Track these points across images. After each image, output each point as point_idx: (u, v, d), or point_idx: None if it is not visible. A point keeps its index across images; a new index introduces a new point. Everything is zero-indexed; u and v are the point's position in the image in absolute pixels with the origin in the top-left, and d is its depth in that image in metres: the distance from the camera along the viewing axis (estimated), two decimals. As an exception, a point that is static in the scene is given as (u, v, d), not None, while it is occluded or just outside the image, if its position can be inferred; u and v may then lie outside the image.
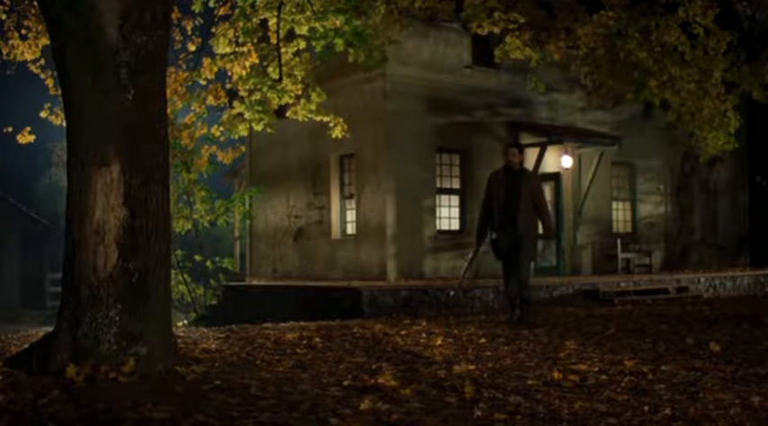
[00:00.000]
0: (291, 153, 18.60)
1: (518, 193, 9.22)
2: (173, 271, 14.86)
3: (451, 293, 13.11)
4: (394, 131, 16.40)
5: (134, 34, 4.98)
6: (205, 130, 15.81)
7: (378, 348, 6.69)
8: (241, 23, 12.32)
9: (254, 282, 18.89)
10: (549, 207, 18.50)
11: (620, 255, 19.27)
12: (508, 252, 9.28)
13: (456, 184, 17.71)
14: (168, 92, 9.49)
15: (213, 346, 6.72)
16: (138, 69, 4.99)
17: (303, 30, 12.15)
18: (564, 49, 13.78)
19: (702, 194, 22.26)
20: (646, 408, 4.20)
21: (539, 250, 18.73)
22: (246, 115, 13.28)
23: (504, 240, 9.29)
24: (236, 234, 21.92)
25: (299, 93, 13.10)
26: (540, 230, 9.68)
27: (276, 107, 13.34)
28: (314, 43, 12.28)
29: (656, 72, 13.56)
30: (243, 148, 18.33)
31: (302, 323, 9.36)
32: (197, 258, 18.62)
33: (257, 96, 12.90)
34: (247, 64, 12.64)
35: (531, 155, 18.23)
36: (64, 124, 5.56)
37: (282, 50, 12.54)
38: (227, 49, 12.64)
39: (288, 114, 13.69)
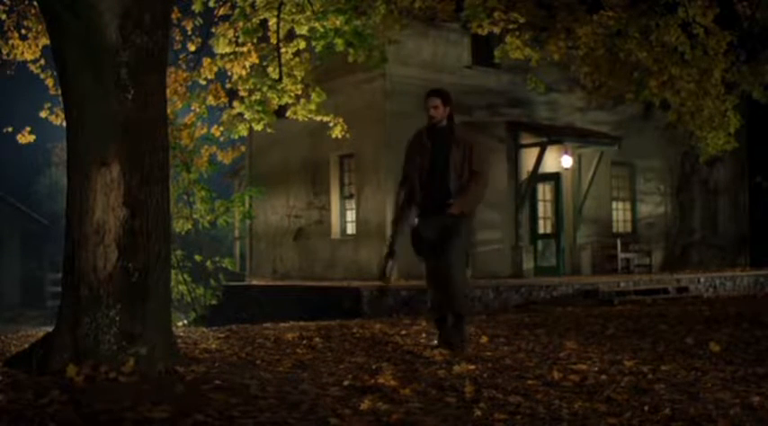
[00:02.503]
0: (291, 153, 18.61)
1: (445, 161, 6.49)
2: (173, 271, 14.86)
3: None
4: (394, 131, 16.40)
5: (134, 34, 4.97)
6: (205, 130, 15.82)
7: (378, 348, 6.69)
8: (241, 23, 12.33)
9: (254, 282, 18.90)
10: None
11: (620, 255, 19.28)
12: (433, 246, 6.56)
13: (456, 184, 17.69)
14: (168, 92, 9.48)
15: (213, 346, 6.72)
16: (138, 69, 4.99)
17: (303, 30, 12.15)
18: (564, 49, 13.80)
19: (702, 194, 22.27)
20: (646, 408, 4.20)
21: (539, 250, 19.07)
22: (246, 115, 13.29)
23: (428, 228, 6.60)
24: (236, 234, 21.92)
25: (299, 93, 13.10)
26: (459, 204, 6.46)
27: (276, 107, 13.34)
28: (314, 43, 12.29)
29: (656, 72, 13.57)
30: (243, 148, 18.34)
31: (302, 323, 9.36)
32: (197, 258, 18.61)
33: (257, 96, 12.90)
34: (247, 64, 12.64)
35: (530, 155, 18.28)
36: (64, 124, 5.56)
37: (282, 50, 12.55)
38: (227, 49, 12.65)
39: (288, 114, 13.69)
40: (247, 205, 19.01)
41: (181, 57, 13.80)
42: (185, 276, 17.97)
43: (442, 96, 6.57)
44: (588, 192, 19.13)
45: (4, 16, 11.75)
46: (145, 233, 4.96)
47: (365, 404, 4.15)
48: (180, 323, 15.75)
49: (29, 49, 12.04)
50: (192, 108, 14.59)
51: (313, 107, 13.35)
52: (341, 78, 16.48)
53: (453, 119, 6.63)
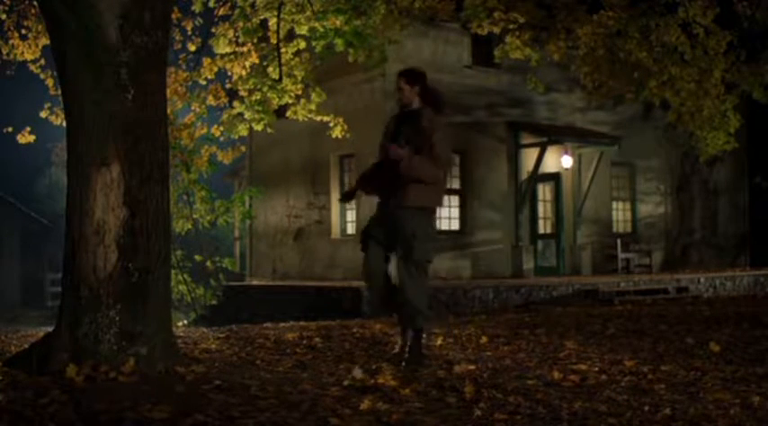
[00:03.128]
0: (291, 153, 18.60)
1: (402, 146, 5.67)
2: (173, 271, 14.86)
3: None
4: (394, 131, 16.38)
5: (134, 34, 4.98)
6: (205, 130, 15.82)
7: (378, 348, 6.69)
8: (241, 23, 12.33)
9: (254, 282, 18.90)
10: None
11: (620, 255, 19.28)
12: (387, 246, 5.74)
13: (456, 184, 17.71)
14: (168, 92, 9.48)
15: (213, 346, 6.72)
16: (138, 69, 4.99)
17: (303, 30, 12.16)
18: (564, 49, 13.79)
19: (702, 194, 22.27)
20: (646, 408, 4.20)
21: (539, 250, 19.09)
22: (246, 115, 13.29)
23: (379, 222, 5.84)
24: (236, 234, 21.92)
25: (299, 93, 13.11)
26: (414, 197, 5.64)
27: (276, 107, 13.34)
28: (314, 43, 12.29)
29: (656, 72, 13.56)
30: (243, 148, 18.34)
31: (302, 323, 9.36)
32: (197, 258, 18.62)
33: (257, 96, 12.91)
34: (247, 64, 12.65)
35: (530, 156, 18.28)
36: (64, 124, 5.56)
37: (282, 50, 12.55)
38: (227, 49, 12.66)
39: (288, 114, 13.69)
40: (247, 205, 19.01)
41: (181, 57, 13.80)
42: (185, 276, 17.98)
43: (406, 76, 5.94)
44: (588, 192, 19.13)
45: (4, 16, 11.75)
46: (145, 233, 4.96)
47: (365, 404, 4.16)
48: (180, 323, 15.74)
49: (29, 49, 12.04)
50: (192, 108, 14.60)
51: (313, 107, 13.35)
52: (341, 78, 16.48)
53: (434, 102, 5.93)
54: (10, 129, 13.53)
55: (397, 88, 5.98)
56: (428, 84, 5.98)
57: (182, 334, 7.79)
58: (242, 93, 13.15)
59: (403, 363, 5.57)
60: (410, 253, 5.57)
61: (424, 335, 5.96)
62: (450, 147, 6.01)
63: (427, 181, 5.65)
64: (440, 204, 5.90)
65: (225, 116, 14.23)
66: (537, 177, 18.30)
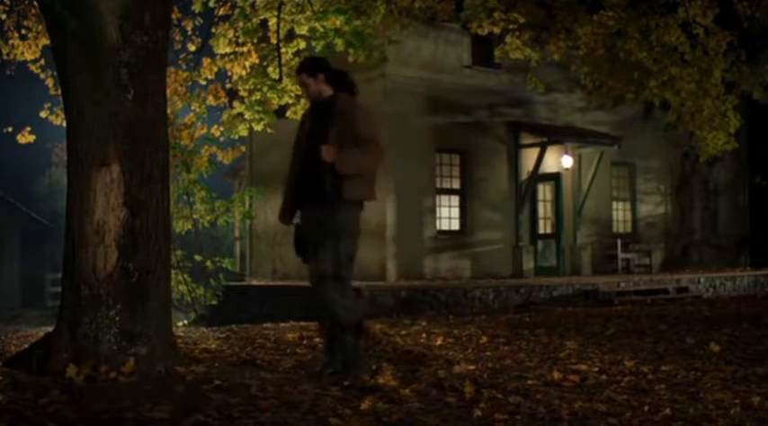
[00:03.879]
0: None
1: (323, 139, 5.21)
2: (173, 271, 14.84)
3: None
4: (394, 131, 16.38)
5: (134, 34, 4.98)
6: (205, 130, 15.82)
7: (378, 348, 6.69)
8: (241, 23, 12.33)
9: (254, 282, 18.89)
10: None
11: (620, 255, 19.28)
12: (314, 246, 5.29)
13: (456, 184, 17.71)
14: (168, 92, 9.49)
15: (213, 346, 6.72)
16: (138, 69, 4.99)
17: (303, 30, 12.15)
18: (564, 49, 13.80)
19: (702, 194, 22.27)
20: (646, 408, 4.20)
21: (539, 250, 19.09)
22: (246, 115, 13.28)
23: (306, 224, 5.45)
24: (236, 234, 21.91)
25: (299, 93, 13.09)
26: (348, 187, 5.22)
27: (276, 107, 13.33)
28: (314, 43, 12.28)
29: (656, 72, 13.56)
30: (243, 148, 18.32)
31: (302, 324, 9.36)
32: (197, 258, 18.61)
33: (257, 96, 12.90)
34: (247, 64, 12.64)
35: (531, 156, 18.28)
36: (64, 124, 5.56)
37: (282, 50, 12.55)
38: (227, 49, 12.65)
39: (288, 114, 13.68)
40: (247, 205, 18.99)
41: (181, 57, 13.79)
42: (185, 276, 17.97)
43: (305, 70, 5.40)
44: (588, 192, 19.13)
45: (4, 16, 11.75)
46: (145, 233, 4.96)
47: (365, 404, 4.16)
48: (180, 323, 15.74)
49: (29, 49, 12.04)
50: (192, 108, 14.58)
51: (313, 107, 13.32)
52: (341, 78, 16.46)
53: (345, 85, 5.43)
54: (10, 129, 13.53)
55: (300, 85, 5.54)
56: (333, 69, 5.45)
57: (182, 334, 7.79)
58: (242, 93, 13.15)
59: (329, 370, 5.05)
60: (329, 255, 5.11)
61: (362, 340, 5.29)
62: (375, 130, 5.36)
63: (364, 174, 5.23)
64: (373, 197, 5.40)
65: (225, 116, 14.22)
66: (537, 177, 18.30)
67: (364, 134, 5.20)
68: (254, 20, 12.34)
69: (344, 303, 5.14)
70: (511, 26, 12.98)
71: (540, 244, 18.94)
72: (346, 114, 5.24)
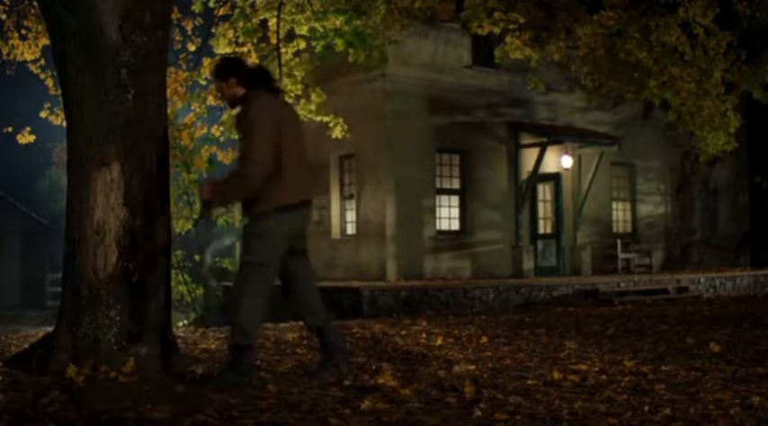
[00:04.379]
0: (291, 153, 18.59)
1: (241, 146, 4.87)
2: (173, 271, 14.85)
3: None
4: (394, 131, 16.39)
5: (134, 34, 4.98)
6: (205, 130, 15.83)
7: (378, 348, 6.69)
8: (241, 23, 12.33)
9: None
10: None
11: (620, 255, 19.28)
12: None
13: (456, 184, 17.71)
14: (168, 92, 9.48)
15: (213, 346, 6.72)
16: (138, 69, 4.99)
17: (303, 30, 12.16)
18: (564, 49, 13.79)
19: (702, 194, 22.27)
20: (646, 408, 4.19)
21: (539, 250, 19.07)
22: (246, 115, 13.27)
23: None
24: (236, 234, 21.90)
25: (299, 93, 13.11)
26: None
27: (276, 107, 13.33)
28: (314, 43, 12.30)
29: (656, 72, 13.56)
30: (243, 148, 18.31)
31: (302, 324, 9.34)
32: (197, 258, 18.60)
33: (257, 96, 12.89)
34: (247, 64, 12.64)
35: (531, 156, 18.28)
36: (64, 124, 5.56)
37: (282, 50, 12.55)
38: (227, 49, 12.66)
39: (287, 114, 13.69)
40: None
41: (181, 57, 13.80)
42: (185, 276, 17.97)
43: (217, 75, 5.04)
44: (588, 192, 19.13)
45: (4, 16, 11.76)
46: (145, 233, 4.96)
47: (365, 404, 4.15)
48: (180, 323, 15.74)
49: (29, 49, 12.05)
50: (192, 108, 14.59)
51: (313, 107, 13.36)
52: (341, 78, 16.48)
53: (259, 82, 4.94)
54: (10, 129, 13.54)
55: (216, 91, 5.03)
56: (248, 68, 5.08)
57: (182, 334, 7.79)
58: (242, 93, 13.14)
59: (325, 370, 4.99)
60: (242, 269, 4.84)
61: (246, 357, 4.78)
62: (254, 133, 4.67)
63: (249, 195, 4.76)
64: (282, 201, 4.78)
65: (225, 116, 14.23)
66: (537, 177, 18.30)
67: (244, 145, 4.73)
68: (254, 20, 12.35)
69: (247, 317, 4.74)
70: (511, 26, 12.97)
71: (540, 244, 18.95)
72: (246, 118, 4.75)
